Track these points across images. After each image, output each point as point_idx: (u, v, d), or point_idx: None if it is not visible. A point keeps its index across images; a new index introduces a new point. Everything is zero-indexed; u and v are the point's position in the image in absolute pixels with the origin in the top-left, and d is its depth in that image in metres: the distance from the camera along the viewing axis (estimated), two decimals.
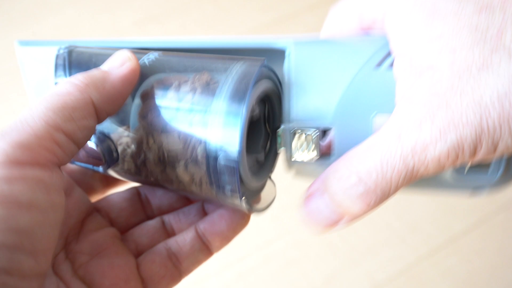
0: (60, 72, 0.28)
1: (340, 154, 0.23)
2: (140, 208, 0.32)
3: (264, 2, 0.94)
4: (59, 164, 0.22)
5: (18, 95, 0.74)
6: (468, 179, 0.24)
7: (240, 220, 0.30)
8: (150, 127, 0.26)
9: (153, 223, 0.31)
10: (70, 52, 0.28)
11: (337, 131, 0.24)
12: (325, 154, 0.25)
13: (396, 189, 0.21)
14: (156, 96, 0.26)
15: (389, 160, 0.21)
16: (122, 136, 0.27)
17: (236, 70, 0.25)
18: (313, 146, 0.24)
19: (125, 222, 0.31)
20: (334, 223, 0.23)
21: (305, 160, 0.25)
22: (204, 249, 0.30)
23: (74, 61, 0.28)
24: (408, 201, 0.66)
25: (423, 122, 0.20)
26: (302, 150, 0.25)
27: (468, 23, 0.20)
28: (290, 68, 0.25)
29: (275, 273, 0.60)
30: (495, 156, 0.20)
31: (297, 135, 0.25)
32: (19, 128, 0.21)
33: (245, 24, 0.90)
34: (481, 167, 0.24)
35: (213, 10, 0.93)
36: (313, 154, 0.25)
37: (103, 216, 0.31)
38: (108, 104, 0.24)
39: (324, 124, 0.24)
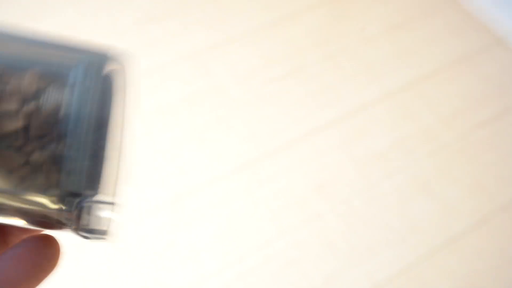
0: None
1: None
2: None
3: (265, 1, 0.93)
4: None
5: None
6: None
7: (48, 261, 0.20)
8: None
9: None
10: None
11: None
12: None
13: None
14: None
15: None
16: None
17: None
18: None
19: None
20: None
21: None
22: None
23: None
24: (408, 201, 0.66)
25: None
26: None
27: None
28: None
29: (275, 273, 0.60)
30: None
31: None
32: None
33: (245, 24, 0.90)
34: None
35: (213, 10, 0.93)
36: None
37: None
38: None
39: None
